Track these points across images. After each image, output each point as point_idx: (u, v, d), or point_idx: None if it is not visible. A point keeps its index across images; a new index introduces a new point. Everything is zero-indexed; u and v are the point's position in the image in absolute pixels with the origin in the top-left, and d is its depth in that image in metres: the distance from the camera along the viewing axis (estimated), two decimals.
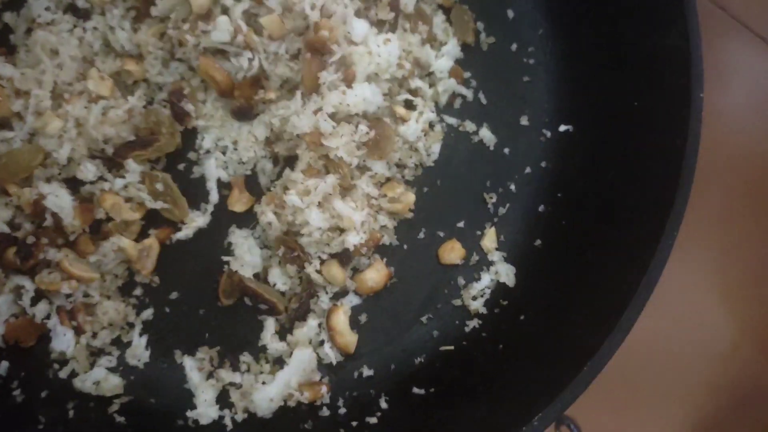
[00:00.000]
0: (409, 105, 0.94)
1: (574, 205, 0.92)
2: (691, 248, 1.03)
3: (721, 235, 1.06)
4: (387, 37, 0.90)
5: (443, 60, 0.96)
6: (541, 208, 0.94)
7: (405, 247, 0.92)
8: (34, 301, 0.83)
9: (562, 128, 0.97)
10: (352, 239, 0.85)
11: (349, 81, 0.87)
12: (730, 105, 1.12)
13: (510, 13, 1.01)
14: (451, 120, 0.97)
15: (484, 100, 0.98)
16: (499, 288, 0.91)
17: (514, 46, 1.00)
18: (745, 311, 1.04)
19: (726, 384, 1.03)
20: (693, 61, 0.82)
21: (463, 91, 0.98)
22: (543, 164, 0.96)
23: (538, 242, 0.92)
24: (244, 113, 0.89)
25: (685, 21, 0.82)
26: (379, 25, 0.93)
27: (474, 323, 0.89)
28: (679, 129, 0.80)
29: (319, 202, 0.84)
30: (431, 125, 0.95)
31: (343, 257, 0.86)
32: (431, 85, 0.96)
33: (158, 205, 0.86)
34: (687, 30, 0.82)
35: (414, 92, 0.95)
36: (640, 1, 0.89)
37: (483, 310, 0.89)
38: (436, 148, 0.95)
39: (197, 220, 0.87)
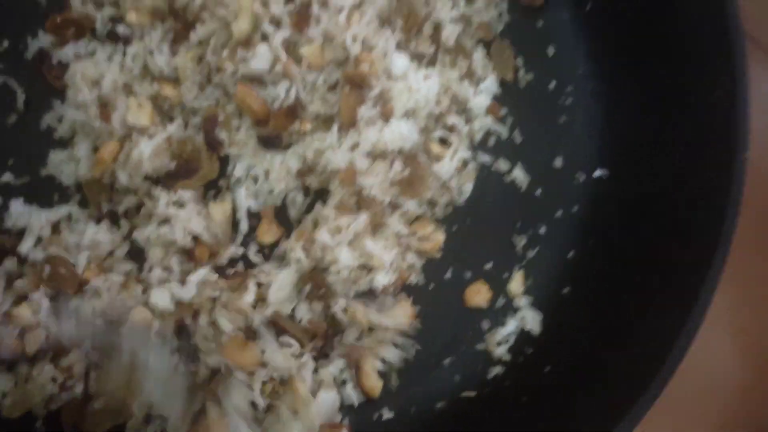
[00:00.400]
0: (443, 141, 0.93)
1: (606, 255, 0.90)
2: None
3: (737, 274, 1.05)
4: (427, 73, 0.88)
5: (481, 97, 0.95)
6: (571, 254, 0.93)
7: (431, 287, 0.91)
8: None
9: (597, 173, 0.95)
10: (381, 279, 0.84)
11: (387, 116, 0.86)
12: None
13: (550, 50, 0.99)
14: (485, 158, 0.95)
15: (518, 139, 0.96)
16: (525, 335, 0.90)
17: (552, 84, 0.98)
18: (756, 352, 1.03)
19: (736, 422, 1.03)
20: (738, 119, 0.80)
21: (499, 128, 0.96)
22: (575, 209, 0.94)
23: (566, 290, 0.91)
24: (272, 142, 0.88)
25: (734, 78, 0.80)
26: (418, 58, 0.91)
27: (497, 370, 0.88)
28: (721, 188, 0.78)
29: (349, 241, 0.83)
30: (464, 163, 0.94)
31: (370, 296, 0.86)
32: (467, 122, 0.95)
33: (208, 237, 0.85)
34: (735, 87, 0.80)
35: (450, 128, 0.93)
36: (687, 52, 0.87)
37: (507, 357, 0.88)
38: (468, 187, 0.94)
39: (230, 250, 0.87)
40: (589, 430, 0.73)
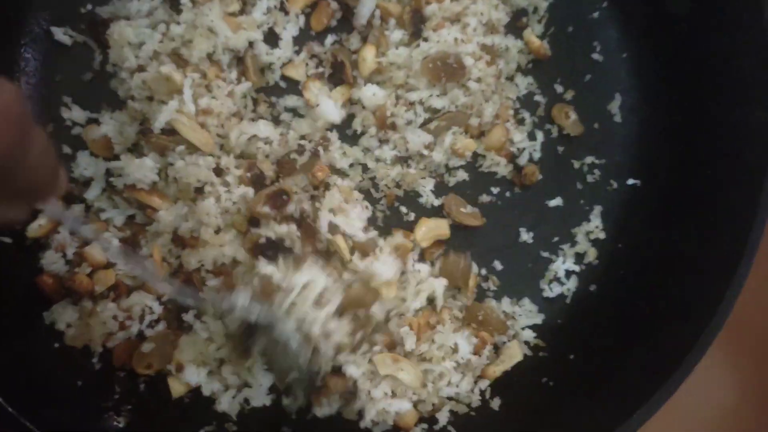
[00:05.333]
0: None
1: (633, 257, 0.96)
2: None
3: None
4: None
5: None
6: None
7: None
8: None
9: (630, 182, 1.00)
10: None
11: None
12: None
13: (596, 57, 1.02)
14: None
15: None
16: (550, 325, 0.96)
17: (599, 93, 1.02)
18: (748, 372, 1.07)
19: None
20: None
21: None
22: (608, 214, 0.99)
23: (593, 287, 0.97)
24: None
25: None
26: None
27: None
28: (749, 205, 0.83)
29: None
30: None
31: None
32: None
33: None
34: None
35: None
36: (731, 74, 0.90)
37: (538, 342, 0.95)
38: None
39: None
40: (610, 415, 0.79)
